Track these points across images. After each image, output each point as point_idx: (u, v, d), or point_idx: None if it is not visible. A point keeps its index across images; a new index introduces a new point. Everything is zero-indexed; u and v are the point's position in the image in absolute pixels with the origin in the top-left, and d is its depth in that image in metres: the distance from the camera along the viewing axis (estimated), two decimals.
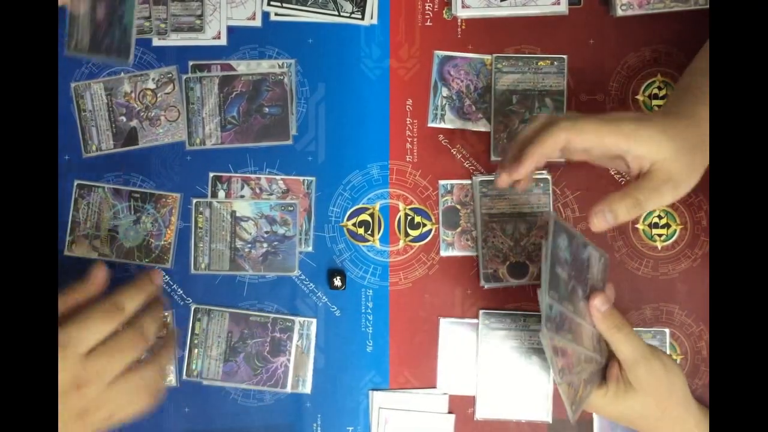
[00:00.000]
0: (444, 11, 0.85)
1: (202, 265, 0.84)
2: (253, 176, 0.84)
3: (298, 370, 0.83)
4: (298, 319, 0.83)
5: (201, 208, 0.84)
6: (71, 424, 0.64)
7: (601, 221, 0.66)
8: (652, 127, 0.65)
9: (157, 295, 0.72)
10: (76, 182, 0.84)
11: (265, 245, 0.84)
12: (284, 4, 0.85)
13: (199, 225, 0.84)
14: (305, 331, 0.84)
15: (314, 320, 0.84)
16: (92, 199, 0.84)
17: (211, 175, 0.84)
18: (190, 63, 0.85)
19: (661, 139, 0.65)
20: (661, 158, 0.65)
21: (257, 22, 0.85)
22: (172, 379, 0.83)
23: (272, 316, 0.83)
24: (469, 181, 0.84)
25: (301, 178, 0.84)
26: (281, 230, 0.84)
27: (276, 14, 0.85)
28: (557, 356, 0.67)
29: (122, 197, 0.84)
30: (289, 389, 0.83)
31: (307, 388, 0.83)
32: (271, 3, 0.85)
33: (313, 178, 0.84)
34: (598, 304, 0.71)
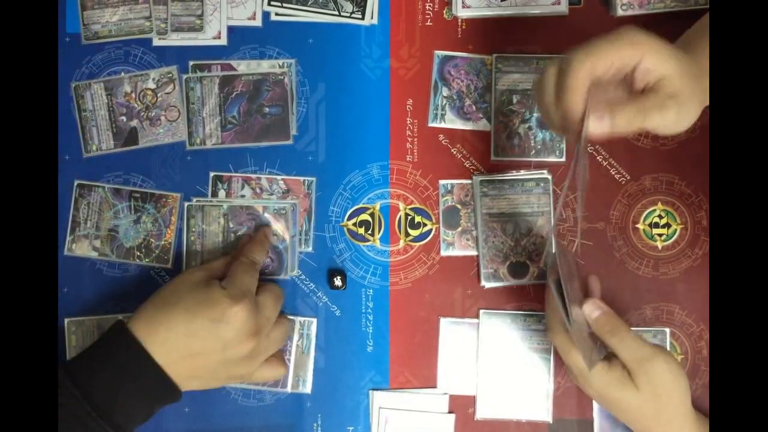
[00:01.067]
0: (444, 11, 0.85)
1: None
2: (253, 176, 0.84)
3: (299, 370, 0.83)
4: (298, 319, 0.83)
5: (193, 212, 0.84)
6: (241, 364, 0.74)
7: (599, 125, 0.62)
8: (660, 42, 0.62)
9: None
10: (76, 182, 0.84)
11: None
12: (284, 4, 0.85)
13: (192, 228, 0.84)
14: (305, 330, 0.84)
15: (314, 320, 0.84)
16: (92, 199, 0.84)
17: (212, 174, 0.84)
18: (191, 63, 0.85)
19: (670, 55, 0.62)
20: (668, 73, 0.62)
21: (257, 22, 0.85)
22: None
23: None
24: (469, 181, 0.84)
25: (302, 179, 0.84)
26: (274, 241, 0.84)
27: (276, 14, 0.85)
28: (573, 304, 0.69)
29: (122, 197, 0.84)
30: (289, 389, 0.83)
31: (307, 388, 0.83)
32: (272, 3, 0.85)
33: (314, 179, 0.84)
34: (588, 311, 0.73)
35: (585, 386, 0.74)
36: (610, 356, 0.73)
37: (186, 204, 0.84)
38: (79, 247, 0.84)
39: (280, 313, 0.80)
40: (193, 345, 0.71)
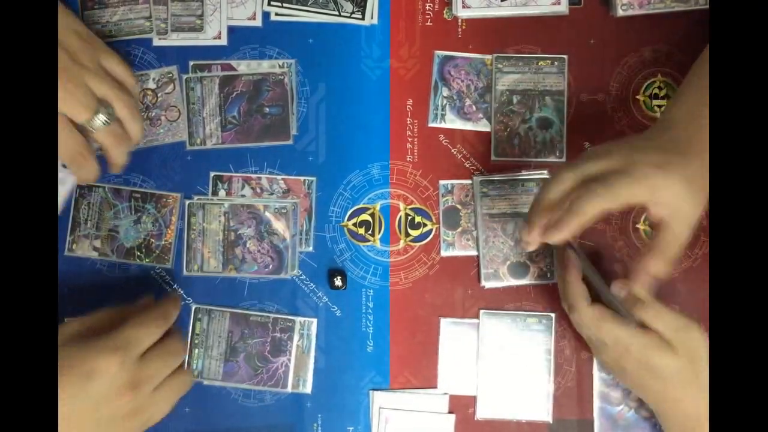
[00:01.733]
0: (444, 11, 0.86)
1: (195, 267, 0.84)
2: (253, 176, 0.84)
3: (299, 370, 0.83)
4: (298, 319, 0.83)
5: (194, 210, 0.84)
6: (120, 425, 0.69)
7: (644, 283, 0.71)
8: (674, 174, 0.65)
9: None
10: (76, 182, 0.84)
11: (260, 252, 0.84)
12: (284, 4, 0.85)
13: (193, 227, 0.84)
14: (306, 331, 0.84)
15: (314, 320, 0.84)
16: (93, 199, 0.84)
17: (212, 174, 0.85)
18: (191, 63, 0.85)
19: (682, 187, 0.65)
20: (681, 206, 0.66)
21: (258, 22, 0.85)
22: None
23: (273, 316, 0.83)
24: (469, 181, 0.84)
25: (302, 178, 0.84)
26: (275, 240, 0.84)
27: (276, 14, 0.85)
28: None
29: (123, 197, 0.84)
30: (289, 389, 0.83)
31: (307, 388, 0.83)
32: (272, 3, 0.85)
33: (314, 178, 0.84)
34: (615, 290, 0.73)
35: (626, 356, 0.73)
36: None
37: (187, 202, 0.84)
38: (80, 247, 0.84)
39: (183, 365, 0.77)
40: (65, 406, 0.64)
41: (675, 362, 0.71)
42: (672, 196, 0.66)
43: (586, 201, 0.66)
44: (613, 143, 0.70)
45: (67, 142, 0.74)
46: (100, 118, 0.75)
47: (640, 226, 0.83)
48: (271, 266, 0.83)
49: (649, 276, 0.70)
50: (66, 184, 0.81)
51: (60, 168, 0.77)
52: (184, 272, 0.84)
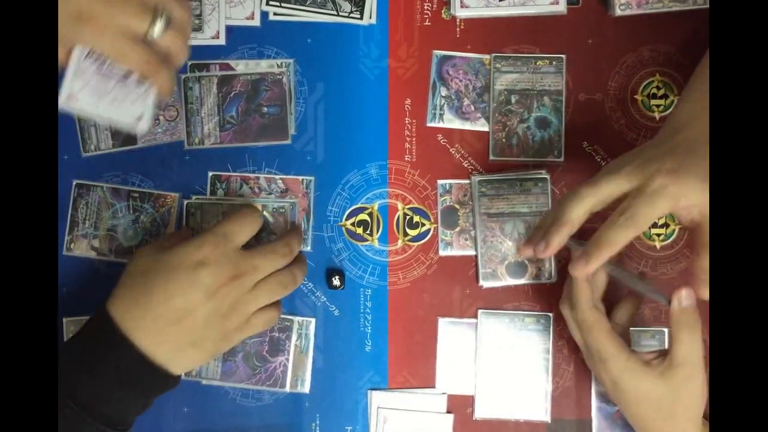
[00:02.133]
0: (443, 11, 0.86)
1: None
2: (252, 176, 0.84)
3: (297, 370, 0.83)
4: (296, 319, 0.83)
5: (192, 209, 0.84)
6: (221, 320, 0.72)
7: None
8: (690, 176, 0.65)
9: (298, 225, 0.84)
10: (74, 182, 0.84)
11: None
12: (283, 4, 0.85)
13: (191, 226, 0.84)
14: (304, 330, 0.83)
15: (313, 320, 0.84)
16: (91, 199, 0.84)
17: (210, 174, 0.84)
18: (189, 62, 0.85)
19: (701, 185, 0.64)
20: (706, 202, 0.65)
21: (256, 22, 0.85)
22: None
23: None
24: (467, 181, 0.84)
25: (300, 178, 0.84)
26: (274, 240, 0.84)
27: (275, 14, 0.85)
28: None
29: (121, 197, 0.84)
30: (287, 389, 0.83)
31: (305, 388, 0.83)
32: (270, 2, 0.85)
33: (312, 178, 0.84)
34: (684, 295, 0.70)
35: (604, 370, 0.72)
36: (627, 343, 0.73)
37: (185, 201, 0.84)
38: (78, 246, 0.84)
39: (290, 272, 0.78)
40: (175, 304, 0.70)
41: (658, 391, 0.70)
42: (694, 197, 0.65)
43: (613, 233, 0.66)
44: (627, 156, 0.70)
45: (133, 53, 0.70)
46: (160, 25, 0.70)
47: None
48: None
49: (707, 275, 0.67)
50: (148, 99, 0.73)
51: (137, 85, 0.73)
52: None
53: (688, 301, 0.69)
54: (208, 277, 0.71)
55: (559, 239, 0.70)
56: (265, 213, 0.84)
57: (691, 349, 0.69)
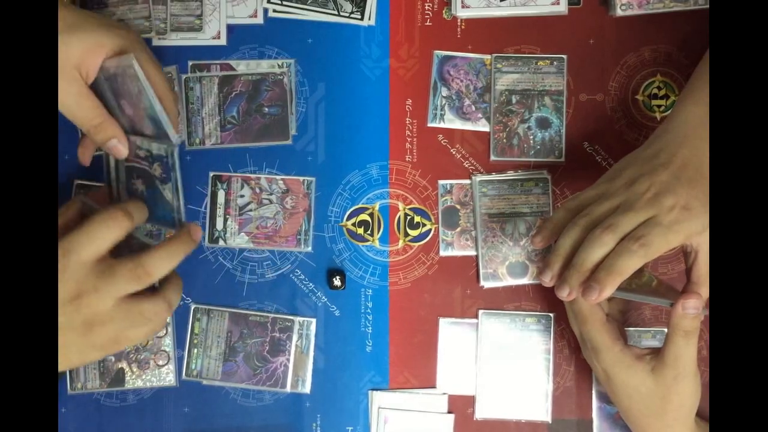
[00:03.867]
0: (444, 11, 0.86)
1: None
2: (253, 176, 0.84)
3: (298, 370, 0.83)
4: (297, 319, 0.83)
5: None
6: (76, 338, 0.64)
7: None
8: (701, 208, 0.66)
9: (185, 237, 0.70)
10: (75, 182, 0.84)
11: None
12: (284, 2, 0.85)
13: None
14: (305, 331, 0.84)
15: (314, 320, 0.84)
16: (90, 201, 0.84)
17: (211, 174, 0.84)
18: (190, 63, 0.85)
19: (708, 218, 0.65)
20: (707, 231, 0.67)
21: (259, 20, 0.85)
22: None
23: (272, 315, 0.83)
24: (468, 181, 0.84)
25: (301, 179, 0.84)
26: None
27: (274, 11, 0.85)
28: None
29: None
30: (288, 389, 0.83)
31: (306, 388, 0.83)
32: (271, 1, 0.85)
33: (313, 179, 0.84)
34: (691, 304, 0.68)
35: (595, 356, 0.73)
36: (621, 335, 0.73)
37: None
38: None
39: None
40: None
41: (649, 387, 0.71)
42: (704, 232, 0.67)
43: (627, 261, 0.65)
44: (634, 167, 0.69)
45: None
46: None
47: None
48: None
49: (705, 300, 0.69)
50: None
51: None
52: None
53: (694, 310, 0.68)
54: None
55: (580, 284, 0.67)
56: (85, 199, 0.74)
57: (684, 352, 0.69)
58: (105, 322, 0.64)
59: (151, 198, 0.71)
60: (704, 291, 0.69)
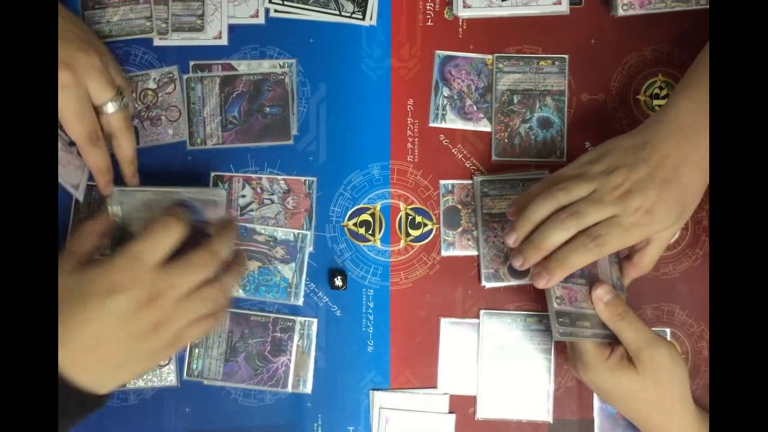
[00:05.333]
0: (445, 11, 0.85)
1: None
2: (254, 176, 0.84)
3: (299, 370, 0.83)
4: (298, 319, 0.84)
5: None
6: (145, 340, 0.67)
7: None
8: (664, 208, 0.68)
9: (230, 220, 0.77)
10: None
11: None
12: (285, 3, 0.85)
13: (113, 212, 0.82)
14: (306, 330, 0.84)
15: (315, 320, 0.84)
16: (92, 201, 0.84)
17: (213, 174, 0.85)
18: (191, 63, 0.85)
19: (672, 216, 0.69)
20: (668, 231, 0.73)
21: (260, 20, 0.85)
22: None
23: (273, 315, 0.83)
24: (470, 181, 0.84)
25: (303, 179, 0.84)
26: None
27: (276, 11, 0.85)
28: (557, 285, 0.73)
29: None
30: (289, 389, 0.83)
31: (307, 388, 0.83)
32: (272, 1, 0.85)
33: (314, 179, 0.84)
34: (601, 293, 0.74)
35: (584, 374, 0.75)
36: (610, 345, 0.75)
37: (114, 189, 0.79)
38: None
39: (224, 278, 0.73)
40: (89, 332, 0.65)
41: (637, 383, 0.72)
42: (663, 234, 0.73)
43: (580, 257, 0.69)
44: (606, 155, 0.72)
45: (77, 121, 0.74)
46: (116, 104, 0.76)
47: None
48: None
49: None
50: (84, 171, 0.82)
51: (77, 157, 0.80)
52: None
53: (608, 295, 0.74)
54: (120, 303, 0.65)
55: (536, 261, 0.71)
56: (190, 201, 0.78)
57: (635, 331, 0.73)
58: (171, 320, 0.68)
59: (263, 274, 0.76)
60: (635, 274, 0.77)
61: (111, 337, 0.66)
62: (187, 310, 0.69)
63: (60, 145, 0.79)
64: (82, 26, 0.78)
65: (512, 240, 0.72)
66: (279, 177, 0.85)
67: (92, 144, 0.76)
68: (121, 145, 0.79)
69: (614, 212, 0.68)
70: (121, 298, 0.65)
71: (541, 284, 0.70)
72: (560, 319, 0.72)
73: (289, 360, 0.83)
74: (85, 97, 0.74)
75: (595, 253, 0.68)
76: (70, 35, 0.74)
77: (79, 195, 0.81)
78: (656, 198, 0.68)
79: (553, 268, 0.69)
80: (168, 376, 0.83)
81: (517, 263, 0.72)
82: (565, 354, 0.82)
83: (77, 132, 0.75)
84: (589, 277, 0.75)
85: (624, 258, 0.78)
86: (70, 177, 0.80)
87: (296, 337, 0.83)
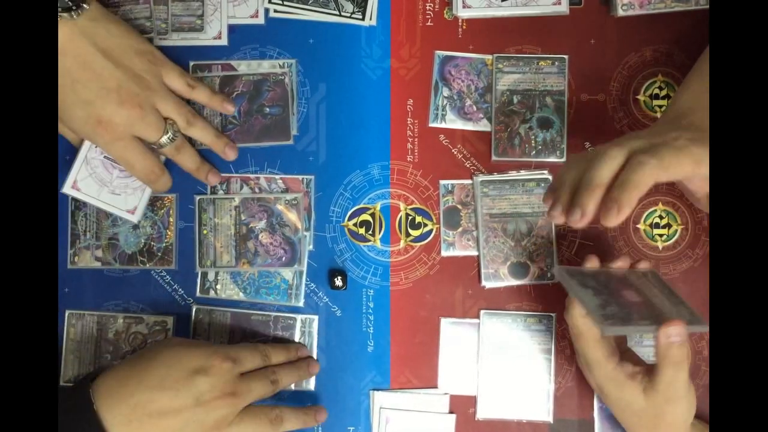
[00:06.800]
0: (445, 11, 0.85)
1: (207, 262, 0.84)
2: (252, 176, 0.84)
3: None
4: (299, 317, 0.84)
5: (204, 205, 0.84)
6: (210, 428, 0.71)
7: None
8: (705, 147, 0.62)
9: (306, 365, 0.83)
10: (70, 195, 0.84)
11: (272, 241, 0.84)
12: (285, 3, 0.85)
13: (204, 222, 0.84)
14: (307, 328, 0.84)
15: (315, 317, 0.84)
16: (89, 210, 0.84)
17: None
18: (191, 63, 0.85)
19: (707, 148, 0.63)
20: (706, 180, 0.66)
21: (260, 20, 0.85)
22: None
23: (273, 314, 0.83)
24: (470, 181, 0.84)
25: (300, 177, 0.84)
26: (287, 232, 0.84)
27: (275, 11, 0.85)
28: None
29: None
30: (292, 386, 0.83)
31: (311, 385, 0.83)
32: (272, 1, 0.85)
33: (312, 176, 0.84)
34: (674, 332, 0.67)
35: (589, 373, 0.74)
36: (619, 351, 0.74)
37: (197, 197, 0.84)
38: (82, 259, 0.84)
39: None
40: (163, 397, 0.69)
41: (639, 403, 0.71)
42: (706, 169, 0.62)
43: (641, 173, 0.61)
44: (641, 131, 0.68)
45: (141, 163, 0.79)
46: (167, 137, 0.79)
47: (641, 226, 0.83)
48: (284, 258, 0.83)
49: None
50: (144, 194, 0.84)
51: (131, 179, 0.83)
52: (197, 268, 0.84)
53: (677, 338, 0.67)
54: (205, 385, 0.71)
55: (594, 205, 0.63)
56: (278, 206, 0.84)
57: (674, 380, 0.68)
58: (231, 425, 0.72)
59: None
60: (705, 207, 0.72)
61: (178, 413, 0.70)
62: (246, 419, 0.74)
63: (115, 174, 0.83)
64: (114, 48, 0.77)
65: (558, 211, 0.65)
66: (276, 176, 0.85)
67: (152, 181, 0.81)
68: (182, 166, 0.83)
69: (657, 141, 0.63)
70: (207, 381, 0.71)
71: (611, 217, 0.61)
72: (606, 309, 0.67)
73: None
74: (133, 142, 0.78)
75: (655, 165, 0.61)
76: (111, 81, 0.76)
77: (136, 217, 0.84)
78: (696, 137, 0.63)
79: (619, 196, 0.61)
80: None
81: (577, 216, 0.63)
82: (565, 355, 0.82)
83: (135, 175, 0.81)
84: (652, 318, 0.69)
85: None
86: (125, 203, 0.83)
87: (297, 335, 0.83)
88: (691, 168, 0.62)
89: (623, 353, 0.74)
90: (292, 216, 0.83)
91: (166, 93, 0.80)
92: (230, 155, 0.83)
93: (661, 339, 0.67)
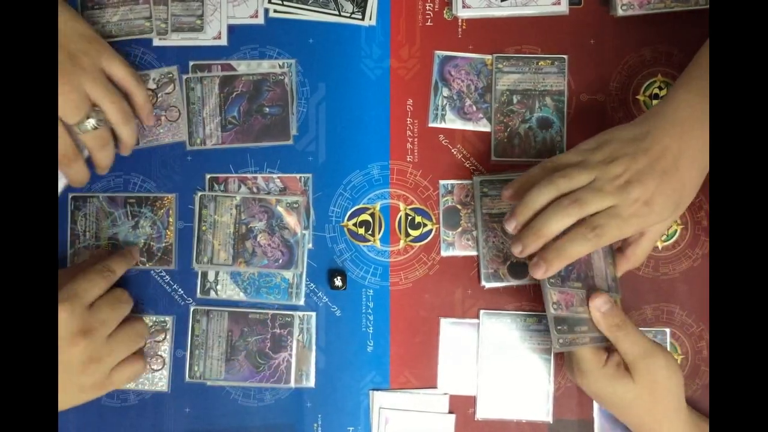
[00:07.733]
0: (444, 11, 0.85)
1: (204, 259, 0.84)
2: (249, 176, 0.84)
3: (301, 365, 0.83)
4: (297, 314, 0.84)
5: (205, 202, 0.84)
6: (80, 373, 0.73)
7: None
8: (662, 199, 0.68)
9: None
10: (70, 195, 0.84)
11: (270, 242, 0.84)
12: (285, 3, 0.85)
13: (204, 219, 0.84)
14: (305, 325, 0.83)
15: (314, 314, 0.84)
16: (88, 210, 0.84)
17: (208, 176, 0.85)
18: (191, 63, 0.85)
19: (669, 208, 0.69)
20: (664, 224, 0.74)
21: (260, 20, 0.85)
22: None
23: (271, 312, 0.83)
24: (469, 181, 0.84)
25: (298, 176, 0.84)
26: (285, 235, 0.83)
27: (275, 11, 0.85)
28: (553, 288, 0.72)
29: (118, 204, 0.84)
30: (292, 384, 0.83)
31: (311, 382, 0.83)
32: (271, 1, 0.85)
33: (310, 175, 0.84)
34: (599, 303, 0.73)
35: (581, 380, 0.75)
36: (607, 351, 0.75)
37: (199, 193, 0.84)
38: (81, 259, 0.84)
39: (133, 317, 0.80)
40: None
41: (631, 392, 0.73)
42: (658, 226, 0.73)
43: (578, 246, 0.68)
44: (605, 145, 0.71)
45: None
46: (90, 123, 0.76)
47: None
48: (281, 260, 0.83)
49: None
50: (60, 182, 0.83)
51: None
52: (194, 264, 0.84)
53: (605, 305, 0.73)
54: (62, 331, 0.71)
55: (534, 249, 0.70)
56: (278, 208, 0.84)
57: (631, 342, 0.72)
58: (102, 357, 0.74)
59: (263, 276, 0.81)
60: (627, 266, 0.78)
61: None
62: (116, 348, 0.76)
63: None
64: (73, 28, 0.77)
65: (512, 226, 0.71)
66: (274, 176, 0.84)
67: (64, 165, 0.79)
68: (95, 161, 0.81)
69: (614, 202, 0.68)
70: (63, 320, 0.70)
71: (539, 274, 0.69)
72: (559, 327, 0.72)
73: (290, 355, 0.83)
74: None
75: (593, 243, 0.68)
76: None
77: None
78: (655, 189, 0.68)
79: (551, 258, 0.68)
80: (159, 382, 0.84)
81: (517, 250, 0.70)
82: (563, 356, 0.82)
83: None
84: (585, 280, 0.75)
85: (616, 250, 0.78)
86: None
87: (296, 332, 0.83)
88: (633, 232, 0.71)
89: (610, 353, 0.75)
90: (291, 219, 0.83)
91: (99, 77, 0.77)
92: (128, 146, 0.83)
93: (595, 314, 0.73)
